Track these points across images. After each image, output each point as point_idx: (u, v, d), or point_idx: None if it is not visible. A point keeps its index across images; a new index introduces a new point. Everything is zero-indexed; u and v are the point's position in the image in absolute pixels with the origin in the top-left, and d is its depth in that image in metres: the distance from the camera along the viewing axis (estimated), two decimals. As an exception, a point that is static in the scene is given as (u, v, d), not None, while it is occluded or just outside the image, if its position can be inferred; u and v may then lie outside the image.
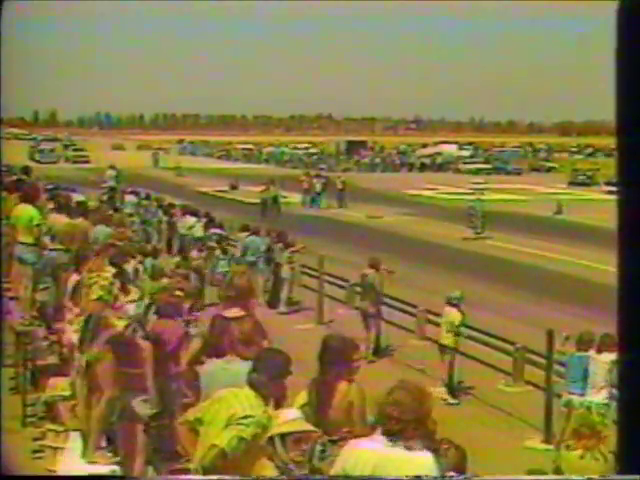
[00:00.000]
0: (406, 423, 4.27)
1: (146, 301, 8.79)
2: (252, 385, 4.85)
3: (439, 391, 13.61)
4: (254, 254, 20.31)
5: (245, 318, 6.34)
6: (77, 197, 20.84)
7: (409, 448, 4.26)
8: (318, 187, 43.95)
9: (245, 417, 4.63)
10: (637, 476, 3.88)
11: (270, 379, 4.85)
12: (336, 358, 5.51)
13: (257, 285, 16.91)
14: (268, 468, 4.46)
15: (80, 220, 12.05)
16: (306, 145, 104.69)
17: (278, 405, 5.68)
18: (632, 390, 3.90)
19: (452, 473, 6.33)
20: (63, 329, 7.50)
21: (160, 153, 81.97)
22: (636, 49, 3.83)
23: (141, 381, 6.92)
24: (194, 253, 20.34)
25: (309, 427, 4.58)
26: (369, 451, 4.33)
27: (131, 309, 8.00)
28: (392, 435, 4.28)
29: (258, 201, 39.22)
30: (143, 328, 7.44)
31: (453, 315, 13.83)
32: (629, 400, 3.95)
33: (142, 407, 6.85)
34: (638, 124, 3.87)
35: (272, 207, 38.32)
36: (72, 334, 6.93)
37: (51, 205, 13.97)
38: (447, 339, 13.90)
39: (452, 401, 13.50)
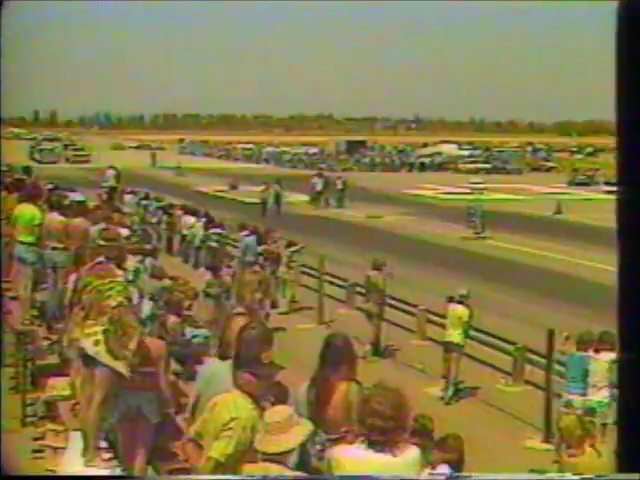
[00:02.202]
0: (386, 430, 4.26)
1: (149, 301, 8.81)
2: (236, 385, 4.77)
3: (439, 389, 13.64)
4: (254, 254, 20.31)
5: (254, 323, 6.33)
6: (76, 197, 20.83)
7: (394, 450, 4.27)
8: (319, 187, 43.97)
9: (232, 420, 4.59)
10: (637, 476, 3.88)
11: (250, 375, 4.73)
12: (338, 357, 5.49)
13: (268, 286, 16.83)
14: (269, 469, 4.43)
15: (80, 220, 12.04)
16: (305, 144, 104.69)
17: (279, 401, 5.65)
18: (632, 390, 3.90)
19: (444, 465, 6.34)
20: (69, 332, 7.49)
21: (157, 153, 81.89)
22: (636, 49, 3.83)
23: (151, 380, 6.92)
24: (224, 270, 15.85)
25: (301, 438, 4.49)
26: (355, 458, 4.33)
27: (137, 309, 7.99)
28: (374, 442, 4.28)
29: (257, 201, 39.25)
30: (157, 327, 7.47)
31: (460, 311, 13.72)
32: (629, 400, 3.95)
33: (149, 407, 6.85)
34: (638, 124, 3.87)
35: (273, 207, 38.32)
36: (87, 341, 6.91)
37: (47, 204, 13.95)
38: (454, 336, 13.78)
39: (452, 401, 13.49)
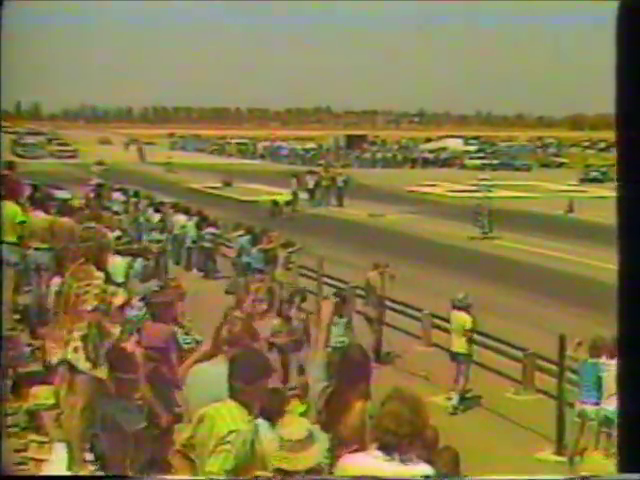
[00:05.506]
0: (402, 436, 4.25)
1: (139, 304, 8.78)
2: (231, 395, 4.74)
3: (445, 398, 13.61)
4: (250, 254, 20.32)
5: (236, 319, 6.39)
6: (62, 194, 20.82)
7: (406, 461, 4.25)
8: (311, 184, 43.98)
9: (229, 433, 4.56)
10: (637, 476, 3.95)
11: (247, 384, 4.71)
12: (357, 372, 5.35)
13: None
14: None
15: (65, 219, 12.01)
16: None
17: (276, 415, 5.62)
18: (632, 390, 3.97)
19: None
20: (49, 336, 7.47)
21: (145, 147, 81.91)
22: (636, 48, 3.91)
23: (132, 388, 6.90)
24: (293, 311, 13.34)
25: (320, 455, 4.50)
26: (364, 466, 4.32)
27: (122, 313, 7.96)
28: (388, 448, 4.27)
29: (254, 199, 39.38)
30: (137, 333, 7.43)
31: (462, 319, 13.69)
32: (629, 400, 4.02)
33: (128, 415, 6.83)
34: (637, 123, 3.95)
35: (288, 206, 38.27)
36: (66, 348, 6.90)
37: (31, 202, 13.92)
38: (458, 346, 13.73)
39: (459, 410, 13.46)
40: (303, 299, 13.60)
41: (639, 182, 3.95)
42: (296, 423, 4.84)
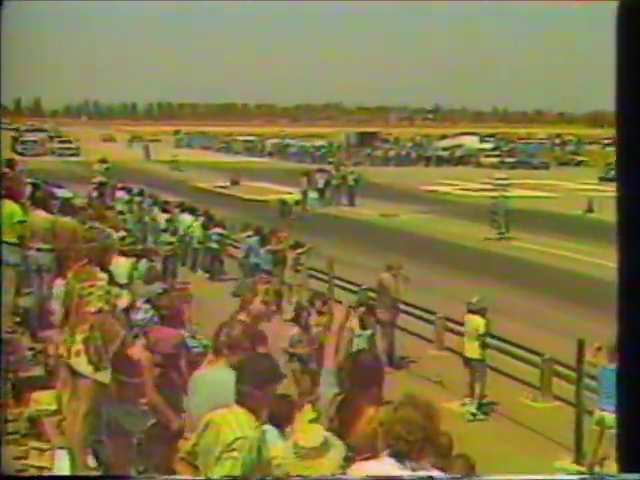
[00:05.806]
0: (414, 443, 4.27)
1: (145, 306, 8.80)
2: (239, 400, 4.75)
3: (459, 404, 13.61)
4: (258, 255, 20.34)
5: (236, 322, 6.43)
6: (64, 193, 20.88)
7: (418, 469, 4.27)
8: (321, 183, 43.96)
9: (235, 440, 4.57)
10: (637, 476, 4.01)
11: (256, 389, 4.72)
12: (369, 378, 5.35)
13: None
14: None
15: (67, 219, 12.03)
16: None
17: (285, 421, 5.63)
18: (632, 390, 4.03)
19: None
20: (53, 341, 7.50)
21: (149, 144, 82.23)
22: (636, 48, 4.00)
23: (136, 392, 6.93)
24: (312, 317, 13.05)
25: (337, 461, 4.53)
26: (376, 474, 4.34)
27: (126, 315, 7.99)
28: (400, 456, 4.29)
29: (262, 198, 39.43)
30: (144, 336, 7.45)
31: (476, 322, 13.71)
32: (630, 400, 4.07)
33: (133, 420, 6.85)
34: (638, 123, 4.03)
35: (297, 205, 38.27)
36: (68, 352, 6.92)
37: (32, 202, 13.95)
38: (471, 351, 13.76)
39: (474, 417, 13.46)
40: (324, 302, 13.40)
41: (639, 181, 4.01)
42: (311, 430, 4.85)
